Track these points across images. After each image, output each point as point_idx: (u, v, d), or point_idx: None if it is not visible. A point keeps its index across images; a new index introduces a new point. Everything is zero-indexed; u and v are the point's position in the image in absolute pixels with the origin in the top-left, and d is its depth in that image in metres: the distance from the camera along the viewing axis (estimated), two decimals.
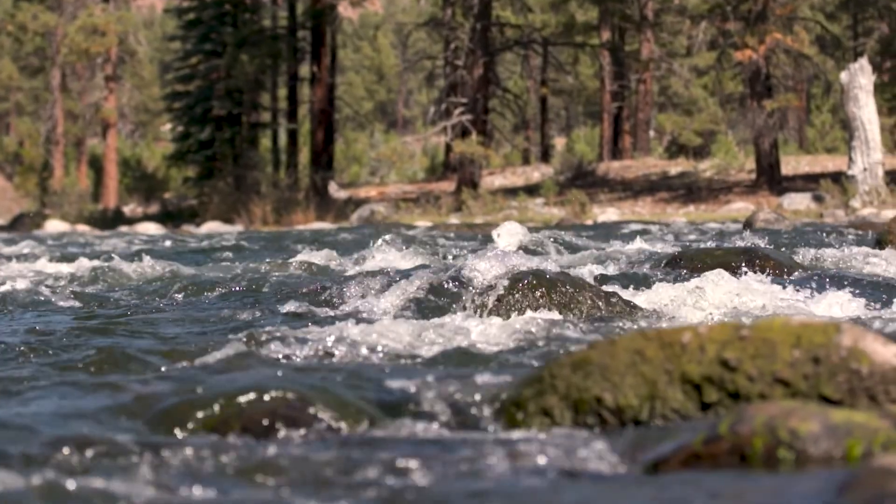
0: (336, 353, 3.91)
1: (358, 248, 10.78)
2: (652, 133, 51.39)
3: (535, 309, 4.91)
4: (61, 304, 6.57)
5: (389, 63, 78.32)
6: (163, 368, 3.81)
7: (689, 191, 37.85)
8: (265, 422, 2.87)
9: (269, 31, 44.44)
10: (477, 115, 37.82)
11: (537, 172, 45.46)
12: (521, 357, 3.84)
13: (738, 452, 2.25)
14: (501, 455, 2.44)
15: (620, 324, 4.71)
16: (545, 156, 52.24)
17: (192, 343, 4.12)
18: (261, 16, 46.21)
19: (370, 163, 59.75)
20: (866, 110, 30.22)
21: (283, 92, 48.75)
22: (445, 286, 5.14)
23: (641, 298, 5.40)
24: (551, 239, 10.48)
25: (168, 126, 54.93)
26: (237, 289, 7.12)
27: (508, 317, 4.84)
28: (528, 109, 54.12)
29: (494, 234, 9.20)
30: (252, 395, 3.00)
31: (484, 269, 5.17)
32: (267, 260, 9.46)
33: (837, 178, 31.94)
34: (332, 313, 5.40)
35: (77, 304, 6.55)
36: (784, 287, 5.61)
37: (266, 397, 2.98)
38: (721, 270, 5.68)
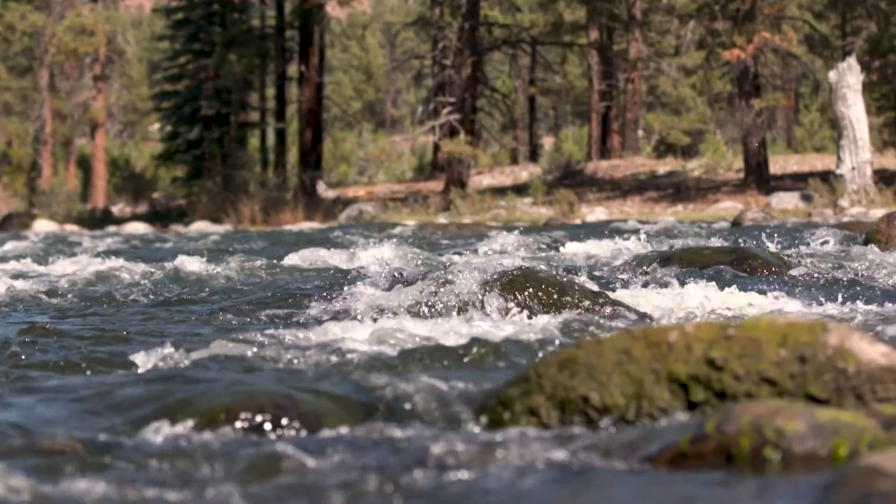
0: (323, 353, 3.90)
1: (346, 248, 10.77)
2: (640, 132, 51.40)
3: (522, 308, 4.91)
4: (45, 304, 6.55)
5: (377, 62, 78.25)
6: (150, 368, 3.80)
7: (678, 190, 37.89)
8: (253, 422, 2.87)
9: (257, 30, 44.41)
10: (465, 114, 37.83)
11: (525, 172, 45.43)
12: (508, 356, 3.83)
13: (725, 451, 2.25)
14: (486, 455, 2.43)
15: (607, 323, 4.71)
16: (533, 155, 52.23)
17: (178, 343, 4.11)
18: (249, 15, 46.17)
19: (358, 162, 59.66)
20: (855, 109, 30.28)
21: (271, 91, 48.73)
22: (433, 286, 5.14)
23: (629, 298, 5.40)
24: (539, 239, 10.49)
25: (157, 126, 54.83)
26: (224, 289, 7.11)
27: (496, 316, 4.84)
28: (517, 109, 54.11)
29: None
30: (240, 396, 2.99)
31: (471, 269, 5.16)
32: (255, 260, 9.44)
33: (826, 177, 31.99)
34: (319, 313, 5.39)
35: (61, 304, 6.53)
36: (771, 286, 5.62)
37: (254, 397, 2.97)
38: (708, 270, 5.68)
